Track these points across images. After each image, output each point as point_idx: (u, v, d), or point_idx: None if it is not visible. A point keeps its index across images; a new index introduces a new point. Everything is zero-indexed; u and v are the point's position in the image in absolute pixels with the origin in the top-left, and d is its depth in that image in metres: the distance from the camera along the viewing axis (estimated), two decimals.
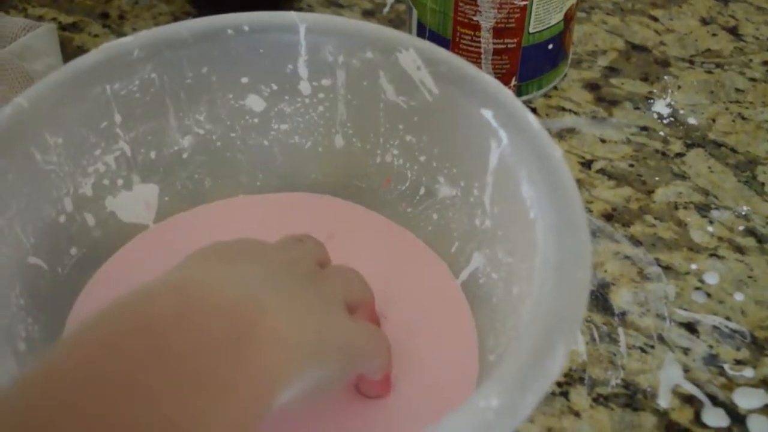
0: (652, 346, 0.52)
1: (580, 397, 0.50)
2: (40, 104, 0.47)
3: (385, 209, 0.56)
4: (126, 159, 0.52)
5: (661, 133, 0.64)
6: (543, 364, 0.37)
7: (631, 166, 0.62)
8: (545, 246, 0.42)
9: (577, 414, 0.49)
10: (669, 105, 0.66)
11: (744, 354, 0.52)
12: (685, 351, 0.52)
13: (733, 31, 0.71)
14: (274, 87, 0.54)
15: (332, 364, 0.41)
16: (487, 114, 0.47)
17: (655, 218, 0.59)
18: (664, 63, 0.69)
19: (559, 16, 0.62)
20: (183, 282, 0.39)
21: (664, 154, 0.63)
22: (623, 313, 0.54)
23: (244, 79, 0.53)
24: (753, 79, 0.68)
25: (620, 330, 0.53)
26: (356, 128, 0.55)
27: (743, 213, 0.59)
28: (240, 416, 0.33)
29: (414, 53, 0.50)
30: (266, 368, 0.35)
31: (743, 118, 0.65)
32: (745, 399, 0.50)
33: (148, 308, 0.35)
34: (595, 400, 0.50)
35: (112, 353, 0.32)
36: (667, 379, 0.51)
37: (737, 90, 0.67)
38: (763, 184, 0.61)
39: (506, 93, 0.48)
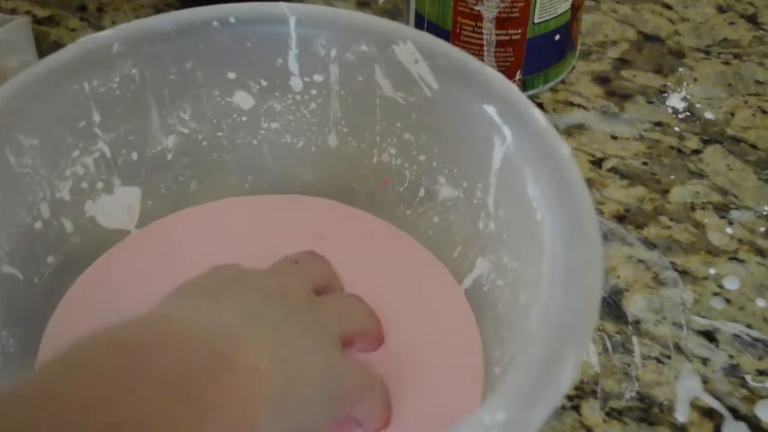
0: (669, 356, 0.52)
1: (592, 411, 0.50)
2: (13, 103, 0.47)
3: (382, 212, 0.55)
4: (106, 161, 0.52)
5: (677, 129, 0.64)
6: (552, 377, 0.37)
7: (645, 164, 0.62)
8: (553, 250, 0.42)
9: (589, 429, 0.49)
10: (684, 99, 0.66)
11: (767, 364, 0.52)
12: (704, 361, 0.52)
13: (752, 19, 0.71)
14: (263, 83, 0.54)
15: (310, 406, 0.41)
16: (491, 110, 0.47)
17: (671, 219, 0.59)
18: (679, 54, 0.69)
19: (566, 5, 0.62)
20: (159, 316, 0.39)
21: (679, 151, 0.63)
22: (637, 321, 0.54)
23: (231, 75, 0.53)
24: None
25: (634, 339, 0.53)
26: (351, 126, 0.55)
27: (765, 213, 0.59)
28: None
29: (412, 46, 0.50)
30: (241, 398, 0.35)
31: (764, 112, 0.65)
32: None
33: (122, 338, 0.35)
34: (608, 414, 0.50)
35: (83, 377, 0.33)
36: (684, 391, 0.51)
37: (757, 82, 0.67)
38: None
39: (510, 87, 0.48)
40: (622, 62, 0.69)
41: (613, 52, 0.69)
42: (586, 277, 0.40)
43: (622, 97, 0.66)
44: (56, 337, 0.50)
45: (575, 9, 0.63)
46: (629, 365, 0.52)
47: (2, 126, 0.47)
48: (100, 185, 0.53)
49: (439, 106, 0.50)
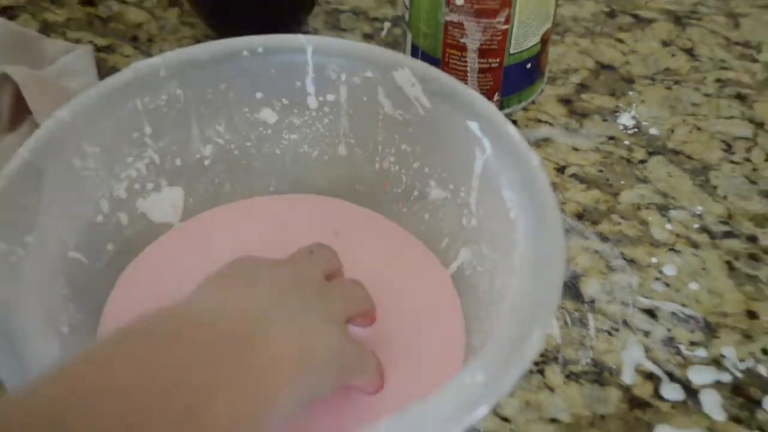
0: (617, 330, 0.52)
1: (554, 374, 0.50)
2: (78, 118, 0.48)
3: (383, 210, 0.56)
4: (155, 165, 0.53)
5: (626, 143, 0.64)
6: (522, 346, 0.37)
7: (600, 171, 0.62)
8: (524, 242, 0.42)
9: (551, 389, 0.50)
10: (633, 117, 0.66)
11: (697, 336, 0.52)
12: (646, 334, 0.52)
13: (690, 52, 0.72)
14: (285, 102, 0.54)
15: (321, 378, 0.41)
16: (473, 125, 0.48)
17: (621, 217, 0.59)
18: (629, 80, 0.69)
19: (536, 39, 0.62)
20: (192, 305, 0.40)
21: (628, 161, 0.63)
22: (592, 301, 0.54)
23: (258, 95, 0.54)
24: (707, 95, 0.68)
25: (589, 316, 0.53)
26: (357, 138, 0.55)
27: (698, 213, 0.59)
28: (244, 418, 0.33)
29: (408, 72, 0.50)
30: (265, 372, 0.36)
31: (698, 129, 0.65)
32: (698, 376, 0.50)
33: (160, 336, 0.35)
34: (567, 377, 0.50)
35: (123, 363, 0.32)
36: (630, 358, 0.51)
37: (693, 104, 0.67)
38: (715, 187, 0.61)
39: (490, 107, 0.48)
40: (582, 87, 0.69)
41: (575, 78, 0.69)
42: (551, 265, 0.40)
43: (581, 115, 0.66)
44: (114, 310, 0.50)
45: (544, 42, 0.63)
46: (585, 337, 0.52)
47: (69, 137, 0.47)
48: (150, 186, 0.53)
49: (431, 122, 0.50)
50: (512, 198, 0.44)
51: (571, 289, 0.55)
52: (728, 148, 0.64)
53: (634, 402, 0.49)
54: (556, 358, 0.51)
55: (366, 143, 0.55)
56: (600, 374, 0.50)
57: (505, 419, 0.48)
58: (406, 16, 0.64)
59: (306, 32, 0.72)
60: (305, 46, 0.52)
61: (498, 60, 0.62)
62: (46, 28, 0.72)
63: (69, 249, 0.48)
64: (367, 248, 0.53)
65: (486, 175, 0.47)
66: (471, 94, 0.49)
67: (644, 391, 0.50)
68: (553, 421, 0.48)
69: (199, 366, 0.33)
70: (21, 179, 0.44)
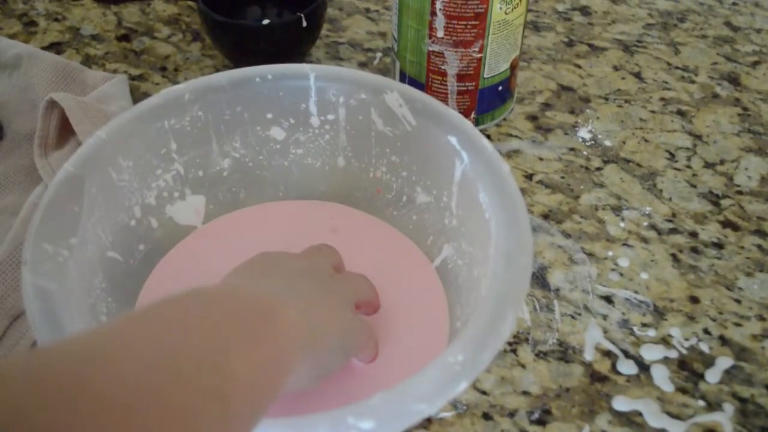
0: (579, 314, 0.52)
1: (525, 353, 0.50)
2: (115, 136, 0.47)
3: (377, 212, 0.55)
4: (180, 177, 0.52)
5: (585, 153, 0.64)
6: (497, 328, 0.37)
7: (562, 177, 0.61)
8: (497, 238, 0.42)
9: (523, 366, 0.49)
10: (590, 131, 0.66)
11: (648, 319, 0.52)
12: (604, 317, 0.52)
13: (638, 75, 0.71)
14: (292, 121, 0.53)
15: (332, 355, 0.41)
16: (453, 140, 0.47)
17: (581, 217, 0.58)
18: (586, 100, 0.69)
19: (506, 65, 0.62)
20: (227, 286, 0.39)
21: (587, 168, 0.62)
22: (557, 289, 0.53)
23: (269, 115, 0.53)
24: (653, 111, 0.68)
25: (555, 302, 0.53)
26: (354, 151, 0.54)
27: (647, 212, 0.59)
28: (266, 361, 0.32)
29: (397, 94, 0.50)
30: (283, 339, 0.35)
31: (646, 141, 0.65)
32: (649, 353, 0.50)
33: (201, 292, 0.34)
34: (537, 355, 0.50)
35: (161, 323, 0.31)
36: (590, 338, 0.51)
37: (641, 119, 0.67)
38: (661, 190, 0.60)
39: (467, 123, 0.48)
40: (546, 105, 0.68)
41: (540, 99, 0.69)
42: (521, 258, 0.40)
43: (546, 130, 0.66)
44: (147, 301, 0.49)
45: (513, 68, 0.63)
46: (551, 321, 0.52)
47: (107, 153, 0.47)
48: (176, 194, 0.52)
49: (417, 137, 0.50)
50: (487, 201, 0.44)
51: (539, 279, 0.54)
52: (671, 157, 0.63)
53: (595, 376, 0.49)
54: (527, 339, 0.50)
55: (361, 156, 0.54)
56: (565, 352, 0.50)
57: (484, 392, 0.48)
58: (395, 47, 0.63)
59: (309, 62, 0.71)
60: (308, 73, 0.51)
61: (474, 83, 0.61)
62: (88, 61, 0.72)
63: (107, 249, 0.47)
64: (362, 244, 0.53)
65: (464, 181, 0.47)
66: (451, 112, 0.49)
67: (603, 366, 0.49)
68: (525, 393, 0.48)
69: (222, 328, 0.32)
70: (66, 190, 0.44)
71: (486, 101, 0.63)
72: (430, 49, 0.60)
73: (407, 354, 0.47)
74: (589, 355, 0.50)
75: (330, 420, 0.33)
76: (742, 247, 0.56)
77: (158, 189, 0.51)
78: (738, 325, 0.51)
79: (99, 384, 0.24)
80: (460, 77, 0.61)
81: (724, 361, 0.49)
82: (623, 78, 0.71)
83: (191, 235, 0.54)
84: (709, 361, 0.49)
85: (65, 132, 0.60)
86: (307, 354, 0.37)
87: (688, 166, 0.62)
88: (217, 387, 0.28)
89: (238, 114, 0.52)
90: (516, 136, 0.65)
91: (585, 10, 0.79)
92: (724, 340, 0.51)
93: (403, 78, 0.64)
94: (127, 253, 0.49)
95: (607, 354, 0.50)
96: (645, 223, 0.58)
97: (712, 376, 0.49)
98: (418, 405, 0.34)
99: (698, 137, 0.65)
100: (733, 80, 0.71)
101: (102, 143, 0.47)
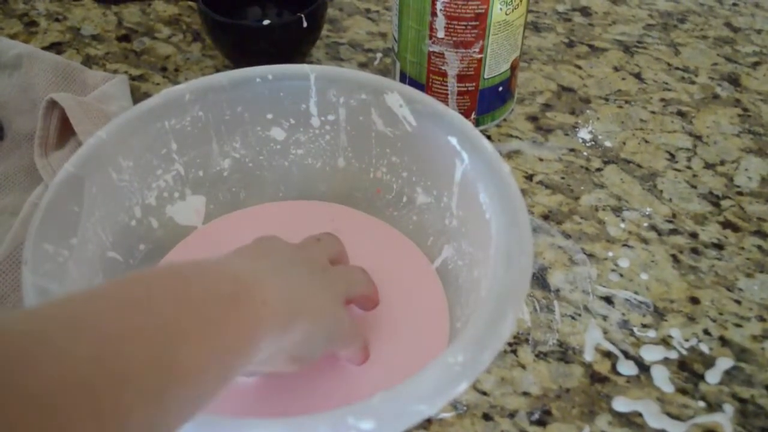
0: (579, 315, 0.52)
1: (525, 353, 0.50)
2: (115, 136, 0.47)
3: (377, 213, 0.55)
4: (181, 177, 0.52)
5: (585, 154, 0.64)
6: (497, 329, 0.37)
7: (563, 178, 0.61)
8: (497, 239, 0.42)
9: (523, 367, 0.49)
10: (590, 132, 0.66)
11: (648, 320, 0.52)
12: (604, 318, 0.52)
13: (638, 76, 0.71)
14: (292, 121, 0.53)
15: (310, 338, 0.40)
16: (453, 140, 0.47)
17: (581, 218, 0.58)
18: (586, 100, 0.69)
19: (507, 66, 0.62)
20: (208, 261, 0.38)
21: (587, 169, 0.62)
22: (557, 290, 0.53)
23: (269, 116, 0.53)
24: (653, 112, 0.68)
25: (555, 303, 0.53)
26: (354, 152, 0.54)
27: (647, 213, 0.59)
28: (222, 344, 0.32)
29: (398, 95, 0.50)
30: (249, 320, 0.35)
31: (646, 142, 0.65)
32: (649, 353, 0.50)
33: (175, 269, 0.35)
34: (537, 356, 0.50)
35: (137, 287, 0.32)
36: (590, 339, 0.51)
37: (641, 120, 0.67)
38: (661, 191, 0.60)
39: (467, 124, 0.48)
40: (547, 106, 0.68)
41: (540, 99, 0.69)
42: (521, 259, 0.40)
43: (546, 131, 0.66)
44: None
45: (513, 68, 0.63)
46: (552, 321, 0.52)
47: (108, 152, 0.47)
48: (176, 194, 0.52)
49: (417, 138, 0.50)
50: (487, 202, 0.44)
51: (539, 279, 0.54)
52: (672, 157, 0.63)
53: (595, 377, 0.49)
54: (527, 340, 0.50)
55: (362, 156, 0.54)
56: (565, 353, 0.50)
57: (484, 393, 0.48)
58: (395, 48, 0.63)
59: (310, 62, 0.71)
60: (309, 74, 0.51)
61: (474, 84, 0.61)
62: (89, 61, 0.72)
63: (107, 249, 0.47)
64: (362, 244, 0.52)
65: (465, 182, 0.47)
66: (451, 113, 0.48)
67: (603, 367, 0.49)
68: (525, 394, 0.48)
69: (182, 310, 0.32)
70: (66, 190, 0.44)
71: (486, 102, 0.63)
72: (431, 49, 0.60)
73: (407, 354, 0.47)
74: (589, 356, 0.50)
75: (330, 420, 0.33)
76: (743, 248, 0.56)
77: (158, 189, 0.51)
78: (738, 326, 0.51)
79: (31, 379, 0.24)
80: (461, 78, 0.61)
81: (725, 362, 0.49)
82: (623, 79, 0.71)
83: (191, 235, 0.54)
84: (709, 362, 0.49)
85: (65, 132, 0.60)
86: (280, 337, 0.37)
87: (689, 167, 0.62)
88: (155, 386, 0.27)
89: (239, 114, 0.52)
90: (516, 137, 0.65)
91: (585, 11, 0.79)
92: (724, 341, 0.51)
93: (404, 78, 0.64)
94: (128, 253, 0.49)
95: (607, 355, 0.50)
96: (645, 224, 0.58)
97: (713, 376, 0.49)
98: (418, 405, 0.34)
99: (698, 138, 0.65)
100: (734, 81, 0.71)
101: (102, 143, 0.46)
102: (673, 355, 0.50)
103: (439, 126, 0.48)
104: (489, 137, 0.64)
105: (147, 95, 0.65)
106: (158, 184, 0.51)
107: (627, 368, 0.49)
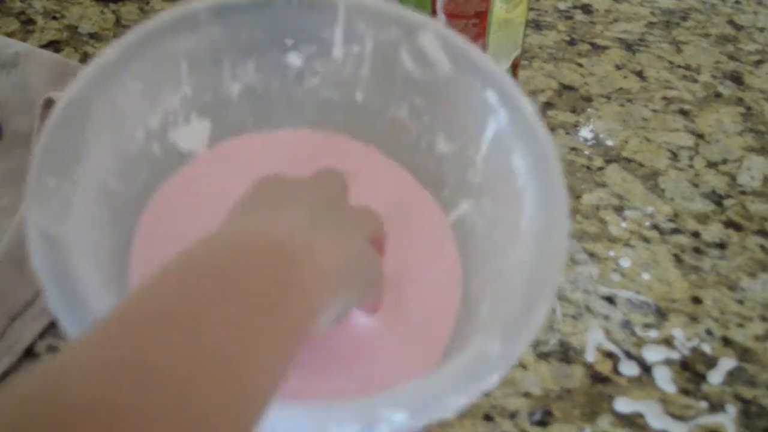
0: (581, 314, 0.52)
1: (526, 354, 0.50)
2: (124, 55, 0.43)
3: (392, 154, 0.51)
4: (188, 99, 0.48)
5: (586, 153, 0.63)
6: (532, 318, 0.36)
7: (564, 177, 0.61)
8: (531, 214, 0.40)
9: (524, 367, 0.49)
10: (592, 131, 0.65)
11: (650, 319, 0.52)
12: (606, 318, 0.52)
13: (640, 74, 0.71)
14: (313, 49, 0.49)
15: (356, 286, 0.39)
16: (492, 95, 0.44)
17: (583, 217, 0.58)
18: (588, 99, 0.69)
19: (508, 64, 0.61)
20: (239, 234, 0.35)
21: (588, 168, 0.62)
22: (559, 290, 0.53)
23: (289, 41, 0.49)
24: (655, 110, 0.67)
25: (556, 302, 0.52)
26: (376, 87, 0.50)
27: (648, 212, 0.59)
28: (288, 336, 0.30)
29: (433, 36, 0.46)
30: (309, 294, 0.33)
31: (648, 140, 0.65)
32: (651, 354, 0.50)
33: (212, 260, 0.31)
34: (538, 356, 0.50)
35: (186, 297, 0.29)
36: (592, 339, 0.50)
37: (643, 119, 0.67)
38: (663, 190, 0.60)
39: (509, 81, 0.44)
40: (548, 105, 0.68)
41: (541, 98, 0.69)
42: (556, 244, 0.38)
43: (548, 129, 0.65)
44: (146, 229, 0.47)
45: (514, 67, 0.63)
46: (553, 321, 0.51)
47: (114, 73, 0.43)
48: (181, 118, 0.49)
49: (449, 85, 0.46)
50: (521, 169, 0.41)
51: None
52: (674, 156, 0.63)
53: (596, 377, 0.49)
54: None
55: (383, 93, 0.50)
56: (566, 353, 0.50)
57: (485, 393, 0.47)
58: None
59: None
60: (338, 3, 0.47)
61: None
62: (86, 59, 0.72)
63: (109, 179, 0.44)
64: (373, 189, 0.48)
65: (497, 140, 0.44)
66: (492, 66, 0.45)
67: (605, 367, 0.49)
68: (526, 394, 0.48)
69: (238, 311, 0.29)
70: (68, 117, 0.41)
71: None
72: None
73: (415, 313, 0.44)
74: (590, 356, 0.49)
75: (360, 411, 0.32)
76: (745, 248, 0.56)
77: (164, 112, 0.47)
78: (740, 325, 0.51)
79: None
80: None
81: (727, 362, 0.49)
82: (625, 77, 0.71)
83: (195, 160, 0.50)
84: (711, 362, 0.49)
85: None
86: (332, 299, 0.35)
87: (691, 166, 0.62)
88: (231, 403, 0.26)
89: (256, 38, 0.48)
90: None
91: (587, 9, 0.79)
92: (726, 341, 0.50)
93: None
94: (129, 182, 0.46)
95: (609, 355, 0.50)
96: (647, 223, 0.58)
97: (715, 377, 0.49)
98: (453, 396, 0.33)
99: (701, 137, 0.65)
100: (736, 79, 0.70)
101: (110, 63, 0.43)
102: (675, 355, 0.50)
103: (476, 76, 0.45)
104: None
105: None
106: (164, 106, 0.47)
107: (629, 368, 0.49)
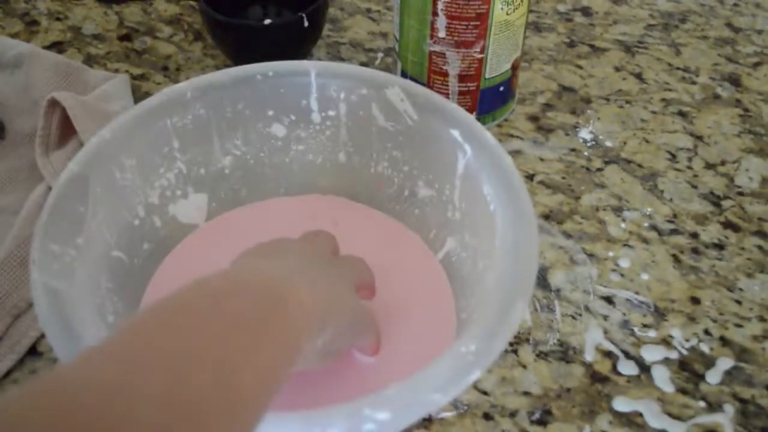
0: (580, 314, 0.52)
1: (526, 353, 0.50)
2: (118, 135, 0.47)
3: (379, 207, 0.55)
4: (183, 175, 0.52)
5: (586, 153, 0.64)
6: (507, 318, 0.37)
7: (563, 178, 0.61)
8: (503, 231, 0.42)
9: (524, 366, 0.49)
10: (591, 132, 0.66)
11: (649, 320, 0.52)
12: (605, 318, 0.52)
13: (639, 76, 0.71)
14: (293, 117, 0.53)
15: (340, 333, 0.41)
16: (455, 133, 0.48)
17: (582, 218, 0.58)
18: (587, 100, 0.69)
19: (508, 66, 0.62)
20: (233, 271, 0.38)
21: (587, 169, 0.62)
22: (558, 290, 0.53)
23: (270, 112, 0.53)
24: (653, 112, 0.68)
25: (556, 302, 0.53)
26: (355, 147, 0.54)
27: (647, 213, 0.59)
28: (274, 357, 0.32)
29: (398, 89, 0.50)
30: (292, 327, 0.34)
31: (647, 141, 0.65)
32: (650, 353, 0.50)
33: (207, 287, 0.34)
34: (537, 355, 0.50)
35: (180, 315, 0.31)
36: (591, 339, 0.51)
37: (642, 120, 0.67)
38: (662, 191, 0.60)
39: (469, 117, 0.48)
40: (547, 106, 0.68)
41: (541, 99, 0.69)
42: (528, 249, 0.41)
43: (547, 131, 0.66)
44: (153, 300, 0.49)
45: (514, 68, 0.63)
46: (552, 321, 0.52)
47: (111, 151, 0.47)
48: (178, 192, 0.52)
49: (418, 132, 0.50)
50: (491, 193, 0.44)
51: (540, 279, 0.54)
52: (672, 157, 0.63)
53: (595, 377, 0.49)
54: (527, 340, 0.50)
55: (362, 151, 0.54)
56: (565, 353, 0.50)
57: (484, 392, 0.48)
58: (397, 47, 0.64)
59: (310, 59, 0.71)
60: (310, 70, 0.52)
61: (475, 84, 0.61)
62: (90, 60, 0.72)
63: (112, 249, 0.47)
64: (365, 238, 0.52)
65: (467, 174, 0.47)
66: (452, 106, 0.49)
67: (604, 367, 0.49)
68: (526, 393, 0.48)
69: (230, 330, 0.31)
70: (71, 189, 0.44)
71: (487, 102, 0.63)
72: (432, 49, 0.60)
73: (415, 345, 0.47)
74: (589, 356, 0.50)
75: (346, 412, 0.33)
76: (743, 248, 0.56)
77: (161, 188, 0.51)
78: (739, 326, 0.51)
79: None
80: (462, 78, 0.61)
81: (725, 362, 0.49)
82: (624, 79, 0.71)
83: (194, 233, 0.54)
84: (709, 362, 0.49)
85: (67, 131, 0.60)
86: (316, 336, 0.37)
87: (689, 167, 0.62)
88: (226, 410, 0.28)
89: (240, 111, 0.52)
90: (517, 137, 0.65)
91: (586, 11, 0.79)
92: (724, 341, 0.51)
93: (405, 78, 0.64)
94: (132, 252, 0.49)
95: (608, 354, 0.50)
96: (646, 224, 0.58)
97: (713, 377, 0.49)
98: (433, 395, 0.34)
99: (699, 138, 0.65)
100: (734, 81, 0.71)
101: (106, 142, 0.46)
102: (674, 355, 0.50)
103: (440, 119, 0.48)
104: None
105: (148, 95, 0.65)
106: (161, 182, 0.51)
107: (627, 368, 0.49)
